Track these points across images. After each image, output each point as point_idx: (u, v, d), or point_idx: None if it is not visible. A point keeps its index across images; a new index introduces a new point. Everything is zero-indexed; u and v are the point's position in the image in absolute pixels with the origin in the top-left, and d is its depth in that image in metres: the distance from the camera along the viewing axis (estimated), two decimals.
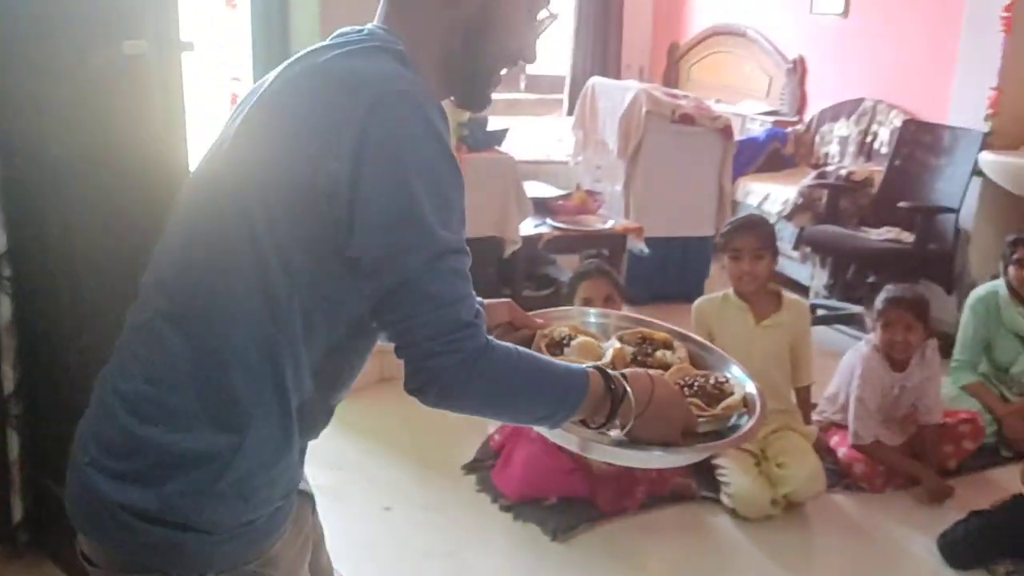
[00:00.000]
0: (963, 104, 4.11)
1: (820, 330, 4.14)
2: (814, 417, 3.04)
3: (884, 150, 4.64)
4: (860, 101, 4.95)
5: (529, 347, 1.22)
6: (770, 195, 4.79)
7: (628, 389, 1.08)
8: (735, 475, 2.63)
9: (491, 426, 2.88)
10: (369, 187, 0.94)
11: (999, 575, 2.48)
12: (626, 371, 1.13)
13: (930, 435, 2.94)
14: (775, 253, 2.86)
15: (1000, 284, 3.26)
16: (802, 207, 4.52)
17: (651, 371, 1.17)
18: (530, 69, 6.02)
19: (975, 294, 3.33)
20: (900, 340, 2.88)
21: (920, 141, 4.29)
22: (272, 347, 1.01)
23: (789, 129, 5.34)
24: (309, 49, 1.08)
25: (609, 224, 4.00)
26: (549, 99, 6.51)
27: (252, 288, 0.99)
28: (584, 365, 1.11)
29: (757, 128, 5.44)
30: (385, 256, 0.96)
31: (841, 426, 2.99)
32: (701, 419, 1.19)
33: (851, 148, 4.93)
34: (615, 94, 4.51)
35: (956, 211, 3.96)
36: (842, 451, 2.94)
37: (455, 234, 0.99)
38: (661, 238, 4.22)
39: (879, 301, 2.96)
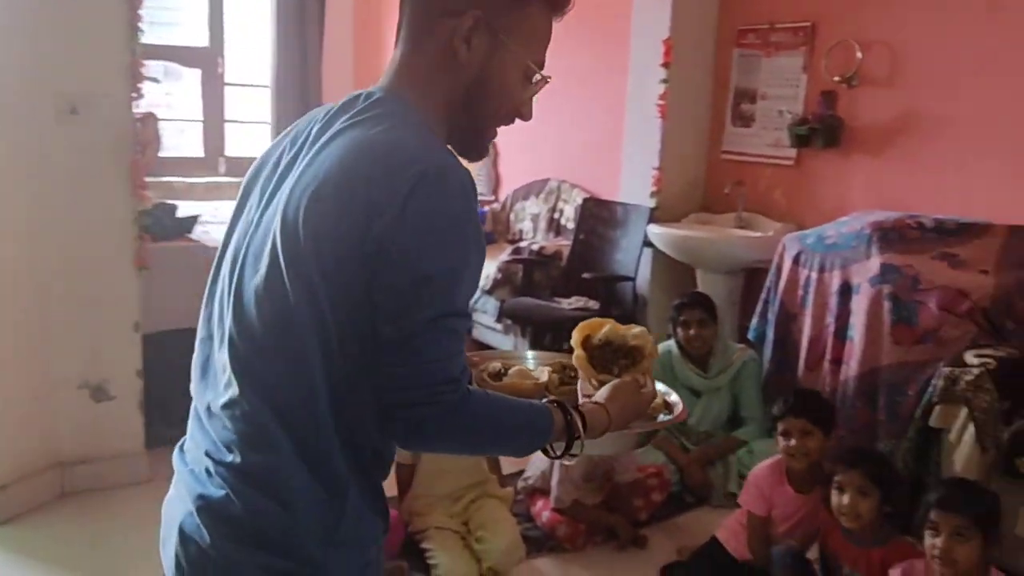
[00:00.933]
0: (631, 183, 4.55)
1: None
2: (519, 484, 3.14)
3: (570, 225, 4.99)
4: (546, 181, 5.31)
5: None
6: None
7: (582, 432, 1.21)
8: (441, 556, 2.63)
9: None
10: (402, 244, 1.03)
11: None
12: (587, 408, 1.25)
13: (623, 490, 3.15)
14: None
15: (672, 344, 3.59)
16: (502, 281, 4.73)
17: (621, 384, 1.31)
18: (229, 151, 5.85)
19: None
20: None
21: (599, 216, 4.67)
22: (341, 403, 1.09)
23: (487, 208, 5.61)
24: (341, 120, 1.14)
25: None
26: None
27: (315, 345, 1.06)
28: (545, 401, 1.22)
29: None
30: (399, 309, 1.04)
31: (544, 492, 3.11)
32: None
33: (542, 224, 5.26)
34: None
35: (633, 279, 4.34)
36: (545, 515, 3.05)
37: (464, 298, 1.08)
38: None
39: None
